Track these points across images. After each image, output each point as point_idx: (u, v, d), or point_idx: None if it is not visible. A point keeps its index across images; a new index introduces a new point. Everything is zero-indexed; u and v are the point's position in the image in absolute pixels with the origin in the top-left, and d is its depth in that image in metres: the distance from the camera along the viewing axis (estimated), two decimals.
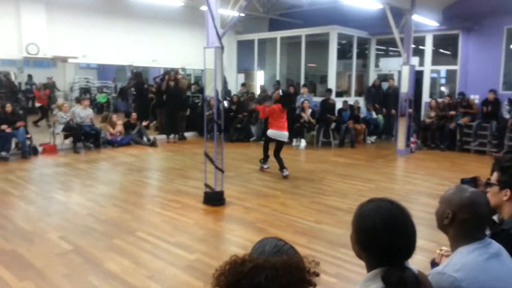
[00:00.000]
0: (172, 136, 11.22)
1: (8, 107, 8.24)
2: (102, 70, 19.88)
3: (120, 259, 3.73)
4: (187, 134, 11.59)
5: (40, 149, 8.85)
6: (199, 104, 12.16)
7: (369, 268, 1.35)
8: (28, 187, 6.23)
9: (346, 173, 7.24)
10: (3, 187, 6.10)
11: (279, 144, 7.13)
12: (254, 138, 11.21)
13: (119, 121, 10.45)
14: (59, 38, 9.45)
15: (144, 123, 11.12)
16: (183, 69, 12.81)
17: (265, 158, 7.41)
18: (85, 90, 18.31)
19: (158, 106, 11.93)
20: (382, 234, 1.28)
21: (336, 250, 3.96)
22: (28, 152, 8.35)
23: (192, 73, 14.90)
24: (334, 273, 3.50)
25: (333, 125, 10.13)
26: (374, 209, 1.33)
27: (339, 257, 3.82)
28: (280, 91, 8.09)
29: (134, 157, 8.82)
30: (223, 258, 3.60)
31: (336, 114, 10.36)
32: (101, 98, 17.98)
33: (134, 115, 10.76)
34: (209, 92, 5.41)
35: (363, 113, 10.91)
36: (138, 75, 12.41)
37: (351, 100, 11.04)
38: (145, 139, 10.54)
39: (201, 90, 12.66)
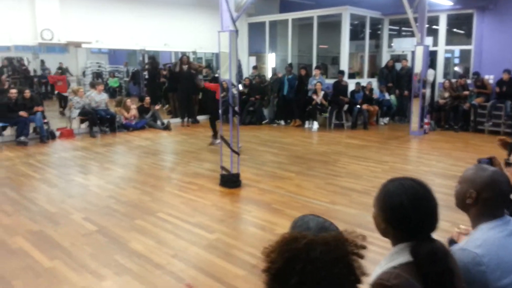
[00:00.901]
0: (185, 119, 11.33)
1: (27, 93, 8.39)
2: (114, 55, 19.89)
3: (143, 238, 3.87)
4: (199, 118, 11.69)
5: (57, 133, 9.03)
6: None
7: (395, 243, 1.41)
8: (49, 170, 6.41)
9: (360, 155, 7.28)
10: (25, 171, 6.28)
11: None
12: (266, 120, 11.27)
13: (133, 105, 10.58)
14: (72, 23, 9.53)
15: (157, 107, 11.22)
16: (194, 53, 12.83)
17: (216, 134, 7.98)
18: (97, 75, 18.46)
19: (171, 90, 12.02)
20: (410, 210, 1.34)
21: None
22: (46, 136, 8.54)
23: (203, 57, 14.90)
24: None
25: (345, 107, 10.12)
26: (399, 187, 1.39)
27: None
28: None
29: (149, 141, 8.96)
30: (242, 238, 3.75)
31: (349, 96, 10.33)
32: (113, 82, 18.05)
33: (147, 99, 10.86)
34: (223, 75, 5.45)
35: (376, 94, 10.85)
36: (153, 60, 12.47)
37: (363, 81, 10.98)
38: (159, 122, 10.66)
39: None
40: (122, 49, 14.18)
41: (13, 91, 8.46)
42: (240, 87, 10.06)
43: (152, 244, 3.77)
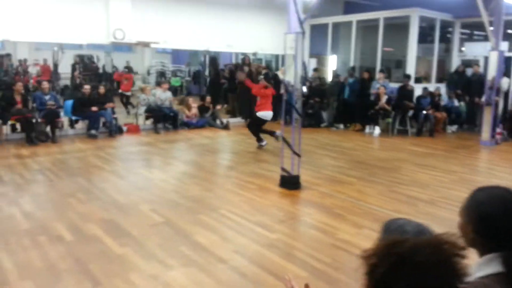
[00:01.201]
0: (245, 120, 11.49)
1: (102, 89, 8.92)
2: (176, 55, 20.68)
3: (207, 233, 3.97)
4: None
5: (124, 128, 9.50)
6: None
7: (484, 253, 1.36)
8: (117, 163, 6.76)
9: (425, 163, 6.97)
10: (96, 163, 6.68)
11: (264, 123, 7.98)
12: (325, 123, 11.13)
13: (194, 104, 10.89)
14: (142, 24, 9.99)
15: (218, 107, 11.46)
16: (254, 54, 12.99)
17: (260, 137, 7.95)
18: (160, 74, 19.25)
19: (231, 90, 12.25)
20: (501, 219, 1.29)
21: None
22: (114, 131, 9.02)
23: (263, 58, 15.03)
24: None
25: (410, 112, 9.74)
26: (489, 196, 1.34)
27: None
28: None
29: (209, 139, 9.18)
30: (303, 239, 3.72)
31: (415, 101, 9.93)
32: (175, 81, 18.72)
33: (208, 98, 11.13)
34: (288, 77, 5.46)
35: (444, 100, 10.34)
36: (214, 61, 12.80)
37: (431, 86, 10.50)
38: (218, 122, 10.88)
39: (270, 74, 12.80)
40: (187, 50, 14.70)
41: (87, 87, 9.03)
42: (304, 89, 10.00)
43: (215, 239, 3.85)
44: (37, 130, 8.17)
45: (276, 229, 4.13)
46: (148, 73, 19.13)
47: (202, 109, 11.02)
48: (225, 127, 10.60)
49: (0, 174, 5.85)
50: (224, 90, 12.83)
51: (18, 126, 8.41)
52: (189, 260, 3.42)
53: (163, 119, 9.98)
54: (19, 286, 2.97)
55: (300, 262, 3.42)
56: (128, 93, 12.60)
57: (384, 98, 9.73)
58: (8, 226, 4.04)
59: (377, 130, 9.77)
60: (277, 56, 14.59)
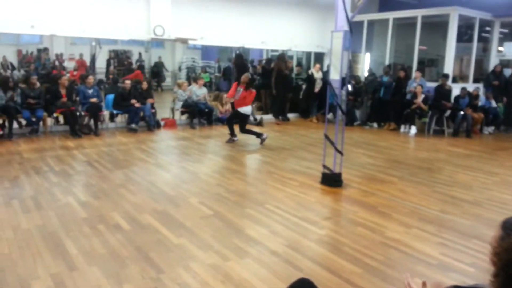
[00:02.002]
0: (279, 117, 11.57)
1: (144, 84, 9.16)
2: (206, 50, 20.88)
3: (256, 226, 4.08)
4: (289, 116, 11.85)
5: (162, 123, 9.73)
6: (303, 86, 12.31)
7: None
8: (160, 156, 6.96)
9: (466, 164, 6.90)
10: (140, 156, 6.89)
11: (246, 119, 8.19)
12: (358, 122, 11.09)
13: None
14: (181, 20, 10.17)
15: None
16: (286, 51, 13.02)
17: (234, 133, 8.13)
18: (191, 70, 19.49)
19: (263, 87, 12.32)
20: None
21: (468, 241, 3.89)
22: (153, 125, 9.25)
23: (294, 55, 15.04)
24: (470, 263, 3.47)
25: (447, 112, 9.61)
26: None
27: (472, 247, 3.76)
28: (249, 74, 8.31)
29: (243, 135, 9.27)
30: (352, 236, 3.79)
31: (452, 101, 9.79)
32: (204, 77, 18.93)
33: None
34: (333, 75, 5.50)
35: (481, 101, 10.16)
36: (240, 56, 12.85)
37: (469, 87, 10.32)
38: (251, 118, 10.98)
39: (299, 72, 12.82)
40: (221, 46, 14.82)
41: (128, 82, 9.28)
42: (350, 87, 10.00)
43: (266, 232, 3.95)
44: (81, 123, 8.47)
45: (324, 225, 4.21)
46: (180, 69, 19.41)
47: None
48: (259, 123, 10.69)
49: (51, 165, 6.13)
50: (256, 86, 12.90)
51: (61, 118, 8.74)
52: (243, 252, 3.53)
53: (199, 114, 10.17)
54: (87, 272, 3.14)
55: (352, 259, 3.48)
56: None
57: (421, 97, 9.63)
58: (68, 215, 4.25)
59: (413, 129, 9.68)
60: (309, 54, 14.60)
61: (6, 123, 7.87)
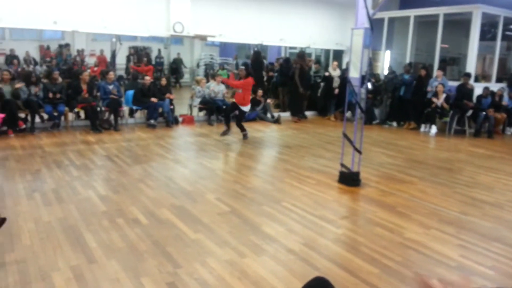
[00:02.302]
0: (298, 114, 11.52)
1: (163, 81, 9.24)
2: (224, 47, 20.94)
3: (273, 224, 4.08)
4: (307, 113, 11.79)
5: (180, 119, 9.80)
6: (321, 83, 12.23)
7: None
8: (178, 152, 7.01)
9: (488, 165, 6.75)
10: (159, 151, 6.96)
11: (244, 114, 8.32)
12: (377, 121, 10.96)
13: None
14: (200, 17, 10.22)
15: (269, 101, 11.55)
16: (304, 49, 12.94)
17: (229, 125, 8.21)
18: (209, 67, 19.57)
19: (281, 84, 12.27)
20: None
21: (488, 243, 3.81)
22: (171, 121, 9.33)
23: (313, 52, 14.95)
24: (490, 266, 3.40)
25: (469, 112, 9.41)
26: None
27: (493, 250, 3.68)
28: (243, 66, 8.38)
29: (261, 132, 9.30)
30: (370, 236, 3.75)
31: (475, 100, 9.58)
32: (222, 74, 18.98)
33: (260, 92, 11.22)
34: (353, 73, 5.44)
35: (505, 101, 9.91)
36: (258, 54, 12.81)
37: (492, 86, 10.09)
38: (269, 115, 10.98)
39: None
40: (241, 43, 14.84)
41: (147, 78, 9.37)
42: (370, 85, 9.89)
43: (282, 230, 3.94)
44: (101, 118, 8.60)
45: (341, 225, 4.17)
46: (198, 65, 19.50)
47: (253, 102, 11.14)
48: (276, 121, 10.68)
49: (72, 159, 6.24)
50: (273, 83, 12.88)
51: (82, 113, 8.89)
52: (260, 249, 3.53)
53: (217, 111, 10.20)
54: (106, 265, 3.19)
55: (369, 259, 3.45)
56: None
57: (442, 96, 9.45)
58: (88, 208, 4.33)
59: (433, 129, 9.52)
60: (327, 51, 14.49)
61: (29, 117, 8.05)
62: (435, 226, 4.19)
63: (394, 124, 10.65)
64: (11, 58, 13.82)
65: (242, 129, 8.27)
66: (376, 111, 11.16)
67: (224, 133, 8.21)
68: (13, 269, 3.06)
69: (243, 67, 8.36)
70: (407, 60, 11.38)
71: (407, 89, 10.29)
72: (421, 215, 4.48)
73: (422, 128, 9.83)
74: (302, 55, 11.45)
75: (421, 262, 3.43)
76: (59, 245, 3.47)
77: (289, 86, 11.62)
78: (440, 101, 9.45)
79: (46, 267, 3.10)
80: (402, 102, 10.42)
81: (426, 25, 11.67)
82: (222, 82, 9.91)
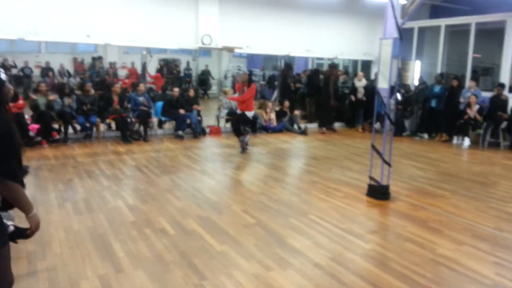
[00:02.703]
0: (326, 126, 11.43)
1: (191, 92, 9.39)
2: (251, 59, 21.09)
3: (299, 237, 4.02)
4: (335, 125, 11.68)
5: (207, 130, 9.90)
6: (349, 95, 12.09)
7: None
8: (205, 163, 7.07)
9: None
10: (186, 162, 7.03)
11: (249, 122, 8.12)
12: (407, 132, 10.73)
13: (271, 108, 11.04)
14: (227, 29, 10.36)
15: (296, 112, 11.51)
16: (330, 59, 12.87)
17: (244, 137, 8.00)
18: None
19: (308, 95, 12.22)
20: None
21: None
22: (198, 132, 9.43)
23: (341, 63, 14.84)
24: None
25: (503, 124, 9.07)
26: None
27: None
28: (246, 72, 8.15)
29: (288, 144, 9.26)
30: (400, 252, 3.63)
31: (509, 112, 9.23)
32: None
33: (286, 103, 11.22)
34: (381, 84, 5.35)
35: None
36: (287, 65, 12.80)
37: None
38: (295, 127, 10.93)
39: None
40: (268, 54, 14.92)
41: (176, 90, 9.54)
42: (399, 96, 9.73)
43: (309, 244, 3.88)
44: (131, 129, 8.79)
45: (370, 239, 4.07)
46: (225, 77, 19.71)
47: (280, 114, 11.14)
48: (303, 132, 10.63)
49: (103, 169, 6.39)
50: (300, 94, 12.84)
51: (113, 124, 9.11)
52: (285, 263, 3.48)
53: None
54: (133, 275, 3.22)
55: (399, 275, 3.34)
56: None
57: (475, 108, 9.16)
58: (117, 217, 4.40)
59: (466, 141, 9.22)
60: (355, 62, 14.36)
61: (62, 128, 8.32)
62: (468, 242, 4.02)
63: (425, 136, 10.39)
64: (46, 71, 14.39)
65: (241, 136, 8.04)
66: (407, 123, 10.94)
67: (243, 149, 8.01)
68: (44, 277, 3.13)
69: (246, 72, 8.25)
70: (438, 70, 11.12)
71: (439, 100, 10.04)
72: (454, 230, 4.32)
73: (455, 140, 9.54)
74: (334, 66, 11.38)
75: (453, 280, 3.29)
76: (88, 254, 3.53)
77: (318, 97, 11.55)
78: (473, 112, 9.16)
79: (75, 275, 3.16)
80: (434, 113, 10.16)
81: (457, 34, 11.40)
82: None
